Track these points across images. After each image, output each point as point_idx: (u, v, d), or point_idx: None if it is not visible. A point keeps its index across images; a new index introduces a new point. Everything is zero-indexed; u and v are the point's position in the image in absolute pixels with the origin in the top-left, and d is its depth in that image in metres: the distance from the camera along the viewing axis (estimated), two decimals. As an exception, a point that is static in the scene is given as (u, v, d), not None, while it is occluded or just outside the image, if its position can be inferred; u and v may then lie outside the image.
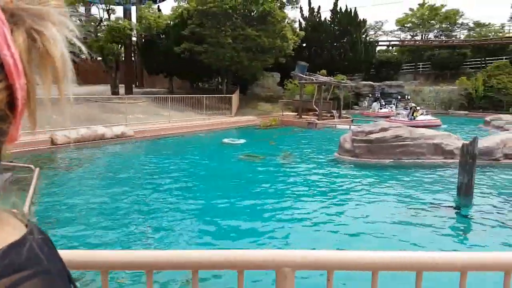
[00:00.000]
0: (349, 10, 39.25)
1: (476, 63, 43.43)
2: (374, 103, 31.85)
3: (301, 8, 39.07)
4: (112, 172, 10.82)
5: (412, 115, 24.54)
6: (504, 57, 40.44)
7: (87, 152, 13.94)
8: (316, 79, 27.16)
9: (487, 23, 47.41)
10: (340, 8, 39.35)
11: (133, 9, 32.49)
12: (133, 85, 34.24)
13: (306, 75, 27.21)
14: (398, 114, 26.21)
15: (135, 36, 31.58)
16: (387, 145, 12.26)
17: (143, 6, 31.17)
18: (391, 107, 31.73)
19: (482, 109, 33.58)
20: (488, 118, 24.50)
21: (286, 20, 30.04)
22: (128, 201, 8.02)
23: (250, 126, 23.37)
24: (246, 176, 10.73)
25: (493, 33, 45.44)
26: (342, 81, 31.01)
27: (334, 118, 25.89)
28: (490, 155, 11.91)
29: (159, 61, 29.89)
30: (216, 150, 15.59)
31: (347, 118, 26.70)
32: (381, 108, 31.99)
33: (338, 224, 7.01)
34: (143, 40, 31.62)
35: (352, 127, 17.52)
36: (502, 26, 46.73)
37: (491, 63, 39.05)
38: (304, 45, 37.15)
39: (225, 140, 16.81)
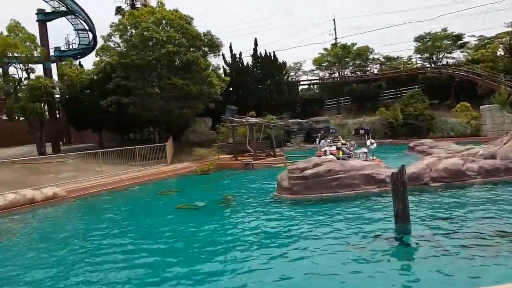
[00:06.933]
0: (268, 54, 41.25)
1: (391, 93, 46.77)
2: (322, 141, 29.72)
3: (223, 55, 40.32)
4: (42, 241, 10.11)
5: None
6: (416, 86, 43.95)
7: (16, 219, 13.06)
8: (246, 121, 27.67)
9: (395, 57, 51.34)
10: (260, 53, 41.40)
11: (54, 66, 31.80)
12: (61, 143, 33.11)
13: (236, 118, 27.62)
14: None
15: (58, 93, 30.69)
16: (322, 179, 12.58)
17: (63, 63, 30.65)
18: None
19: (404, 135, 35.82)
20: (411, 144, 26.09)
21: (211, 67, 30.63)
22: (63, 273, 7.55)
23: (187, 173, 23.14)
24: (184, 232, 9.87)
25: (402, 65, 49.28)
26: (272, 120, 31.92)
27: (269, 158, 26.34)
28: (419, 180, 12.70)
29: (85, 116, 29.02)
30: (151, 203, 14.84)
31: (282, 156, 27.25)
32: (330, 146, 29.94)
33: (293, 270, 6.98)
34: (67, 96, 30.67)
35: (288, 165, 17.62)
36: (409, 58, 50.82)
37: (405, 92, 42.26)
38: (231, 89, 38.15)
39: (162, 191, 16.50)
